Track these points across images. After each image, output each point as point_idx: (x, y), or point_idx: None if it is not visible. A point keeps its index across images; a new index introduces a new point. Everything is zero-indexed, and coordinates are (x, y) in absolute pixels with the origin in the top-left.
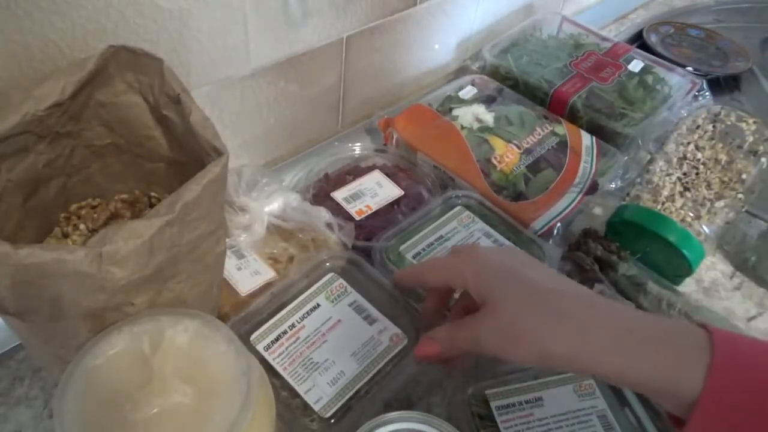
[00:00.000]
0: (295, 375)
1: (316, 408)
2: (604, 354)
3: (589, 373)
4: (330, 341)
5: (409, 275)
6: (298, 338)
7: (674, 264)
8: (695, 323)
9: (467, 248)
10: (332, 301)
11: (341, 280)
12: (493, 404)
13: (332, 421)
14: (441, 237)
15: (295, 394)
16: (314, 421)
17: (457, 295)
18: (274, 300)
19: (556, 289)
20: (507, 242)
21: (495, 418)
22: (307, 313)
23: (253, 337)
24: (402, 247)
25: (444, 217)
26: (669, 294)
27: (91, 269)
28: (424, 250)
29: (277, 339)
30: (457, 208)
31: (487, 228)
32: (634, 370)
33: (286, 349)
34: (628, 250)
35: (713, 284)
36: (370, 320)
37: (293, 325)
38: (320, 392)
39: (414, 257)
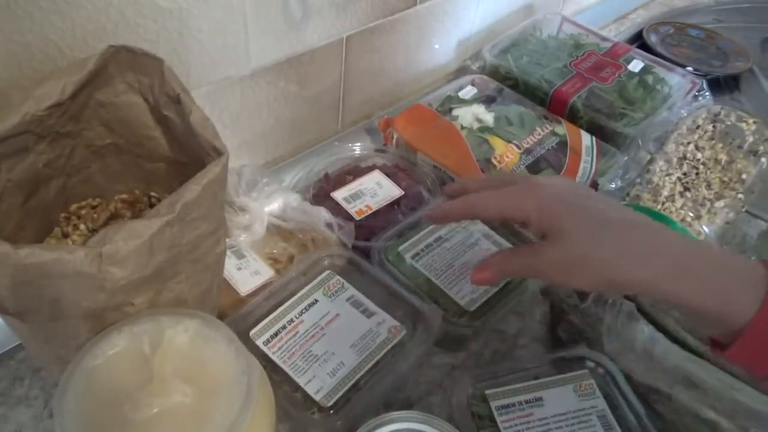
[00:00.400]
0: (295, 367)
1: (317, 398)
2: (665, 281)
3: (650, 296)
4: (329, 334)
5: (456, 210)
6: (297, 332)
7: None
8: (758, 261)
9: (523, 179)
10: (330, 297)
11: (338, 277)
12: (493, 404)
13: (333, 411)
14: (440, 238)
15: (295, 388)
16: (316, 413)
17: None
18: (272, 297)
19: (620, 217)
20: (507, 244)
21: (495, 418)
22: (306, 308)
23: (252, 332)
24: (401, 248)
25: None
26: None
27: (91, 269)
28: (423, 250)
29: (276, 334)
30: None
31: (486, 229)
32: (691, 296)
33: (286, 343)
34: None
35: None
36: (367, 314)
37: (292, 320)
38: (320, 383)
39: (413, 258)
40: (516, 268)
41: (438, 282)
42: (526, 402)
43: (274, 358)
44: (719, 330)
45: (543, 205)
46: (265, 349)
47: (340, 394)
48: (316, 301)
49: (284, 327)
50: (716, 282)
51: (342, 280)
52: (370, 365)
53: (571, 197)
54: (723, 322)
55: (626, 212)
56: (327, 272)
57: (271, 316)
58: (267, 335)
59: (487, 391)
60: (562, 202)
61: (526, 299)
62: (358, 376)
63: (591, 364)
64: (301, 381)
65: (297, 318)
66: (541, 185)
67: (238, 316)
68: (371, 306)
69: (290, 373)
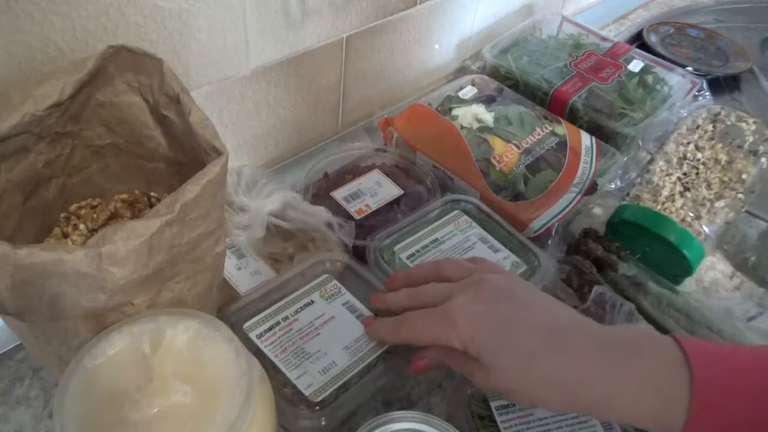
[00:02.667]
0: (286, 362)
1: (306, 393)
2: (596, 410)
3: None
4: (323, 335)
5: (393, 334)
6: (291, 329)
7: (674, 264)
8: (669, 337)
9: (446, 309)
10: (326, 299)
11: (335, 282)
12: (493, 404)
13: (320, 407)
14: (436, 240)
15: (285, 382)
16: (304, 408)
17: None
18: (268, 294)
19: (546, 340)
20: (503, 248)
21: (495, 418)
22: (302, 307)
23: (246, 325)
24: (397, 247)
25: (441, 220)
26: (669, 294)
27: (90, 269)
28: (418, 251)
29: (270, 328)
30: (455, 212)
31: (484, 233)
32: (622, 419)
33: (279, 338)
34: (628, 250)
35: (713, 284)
36: (362, 319)
37: (287, 318)
38: (311, 379)
39: (408, 258)
40: (454, 366)
41: None
42: None
43: (266, 351)
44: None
45: (465, 335)
46: (257, 342)
47: (329, 392)
48: (313, 302)
49: (278, 323)
50: (641, 399)
51: (339, 285)
52: (360, 368)
53: (494, 319)
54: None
55: (554, 323)
56: (325, 276)
57: (267, 312)
58: (261, 329)
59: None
60: (484, 329)
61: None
62: (348, 376)
63: None
64: (291, 375)
65: (292, 316)
66: (460, 308)
67: (232, 308)
68: (367, 312)
69: (281, 367)
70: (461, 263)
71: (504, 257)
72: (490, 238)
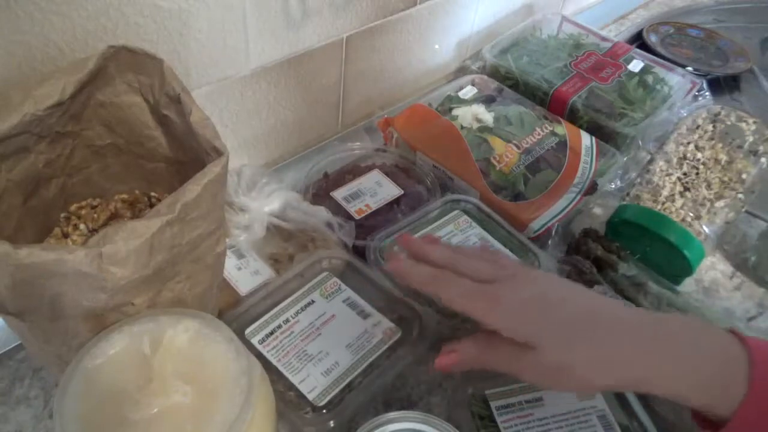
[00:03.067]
0: (289, 366)
1: (310, 397)
2: (642, 384)
3: (633, 389)
4: (324, 334)
5: (418, 281)
6: (292, 332)
7: (674, 264)
8: (730, 334)
9: (491, 289)
10: (326, 298)
11: (335, 279)
12: (493, 404)
13: (326, 410)
14: (439, 238)
15: (289, 386)
16: (309, 412)
17: None
18: (268, 297)
19: (589, 320)
20: (503, 248)
21: (495, 418)
22: (302, 308)
23: (247, 331)
24: (396, 248)
25: (441, 220)
26: (669, 294)
27: (91, 269)
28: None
29: (271, 333)
30: (455, 212)
31: (484, 233)
32: (669, 395)
33: (280, 342)
34: (628, 250)
35: (713, 284)
36: (363, 315)
37: (287, 320)
38: (314, 382)
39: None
40: (492, 364)
41: None
42: (526, 402)
43: (268, 356)
44: (709, 415)
45: (508, 318)
46: (259, 347)
47: (333, 393)
48: (313, 301)
49: (279, 326)
50: (695, 379)
51: (339, 282)
52: (364, 366)
53: (538, 304)
54: (709, 413)
55: (595, 310)
56: (325, 274)
57: (267, 316)
58: (262, 334)
59: (487, 391)
60: (527, 313)
61: None
62: (352, 376)
63: None
64: (294, 380)
65: (293, 318)
66: (505, 292)
67: (233, 314)
68: (367, 308)
69: (284, 371)
70: (485, 267)
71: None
72: (490, 238)
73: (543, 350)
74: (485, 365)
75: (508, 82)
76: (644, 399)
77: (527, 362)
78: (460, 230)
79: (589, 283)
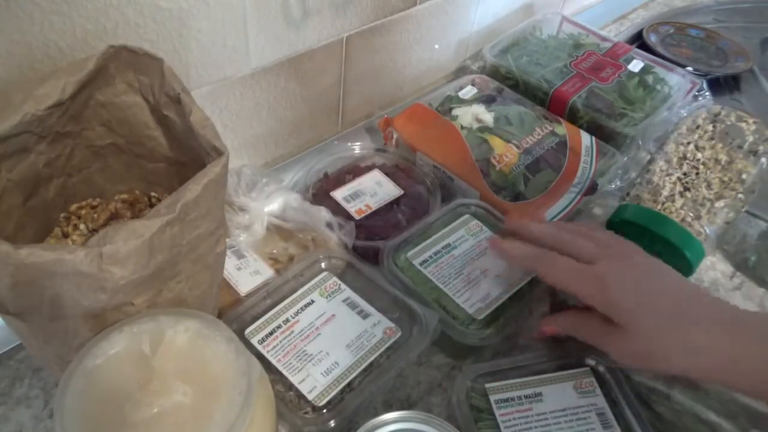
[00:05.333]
0: (288, 366)
1: (310, 397)
2: (731, 375)
3: (714, 381)
4: (324, 334)
5: (521, 262)
6: (292, 332)
7: (674, 264)
8: None
9: (598, 270)
10: (326, 297)
11: (335, 278)
12: (492, 398)
13: (326, 410)
14: (448, 245)
15: (289, 387)
16: (308, 412)
17: None
18: (268, 297)
19: (680, 307)
20: None
21: (494, 411)
22: (302, 308)
23: (247, 331)
24: (409, 254)
25: (452, 225)
26: None
27: (91, 269)
28: (430, 257)
29: (271, 333)
30: (465, 217)
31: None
32: (748, 389)
33: (280, 342)
34: None
35: (713, 284)
36: (363, 314)
37: (287, 320)
38: (314, 382)
39: (421, 264)
40: (586, 338)
41: (446, 290)
42: (526, 397)
43: (268, 357)
44: None
45: (613, 299)
46: (259, 347)
47: (333, 393)
48: (313, 301)
49: (279, 326)
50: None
51: (339, 282)
52: (364, 366)
53: (641, 287)
54: None
55: (684, 297)
56: (324, 273)
57: (267, 316)
58: (262, 334)
59: (486, 385)
60: (631, 295)
61: (526, 299)
62: (352, 376)
63: (592, 362)
64: (294, 380)
65: (293, 318)
66: (611, 273)
67: (233, 314)
68: (367, 307)
69: (284, 372)
70: (586, 246)
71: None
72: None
73: (636, 335)
74: (578, 337)
75: (508, 82)
76: (644, 399)
77: (618, 341)
78: (471, 234)
79: None
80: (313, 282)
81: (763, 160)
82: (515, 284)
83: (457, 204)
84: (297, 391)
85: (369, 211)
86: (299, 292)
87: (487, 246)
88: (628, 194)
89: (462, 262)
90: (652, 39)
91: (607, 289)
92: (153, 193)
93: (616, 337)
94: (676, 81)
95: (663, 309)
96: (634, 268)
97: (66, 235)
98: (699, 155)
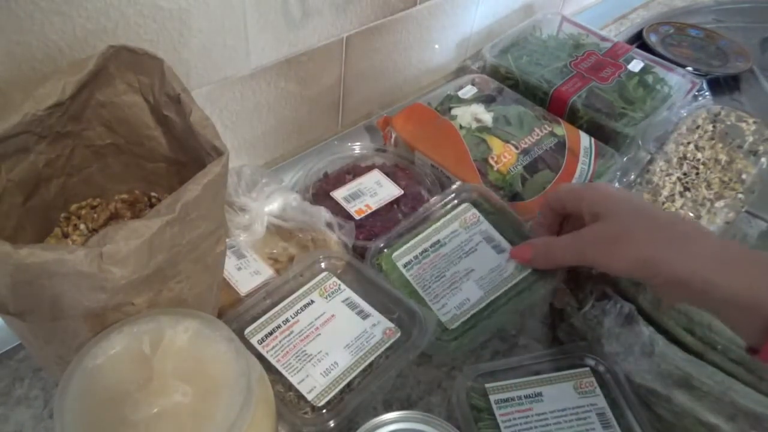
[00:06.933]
0: (288, 366)
1: (309, 398)
2: (700, 268)
3: (679, 280)
4: (323, 335)
5: (535, 263)
6: (291, 332)
7: None
8: None
9: (592, 184)
10: (326, 298)
11: (335, 279)
12: (492, 398)
13: (326, 410)
14: (438, 242)
15: (288, 387)
16: (308, 412)
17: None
18: (268, 297)
19: (663, 212)
20: (510, 247)
21: (494, 411)
22: (301, 308)
23: (247, 331)
24: (395, 254)
25: (448, 216)
26: None
27: (91, 269)
28: (417, 257)
29: (270, 333)
30: (465, 205)
31: (490, 231)
32: (723, 283)
33: (280, 342)
34: None
35: None
36: (363, 315)
37: (287, 320)
38: (313, 382)
39: (405, 266)
40: (558, 253)
41: (424, 294)
42: (526, 397)
43: (267, 357)
44: (750, 326)
45: (596, 195)
46: (259, 348)
47: (332, 393)
48: (312, 301)
49: (279, 327)
50: (749, 271)
51: (339, 282)
52: (363, 366)
53: (623, 195)
54: (754, 314)
55: (674, 215)
56: (324, 273)
57: (267, 316)
58: (261, 334)
59: (487, 385)
60: (613, 196)
61: (527, 299)
62: (351, 376)
63: (592, 363)
64: (294, 380)
65: (292, 318)
66: (604, 186)
67: (233, 314)
68: (367, 307)
69: (283, 372)
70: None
71: (508, 258)
72: (495, 236)
73: (609, 219)
74: (555, 257)
75: (508, 82)
76: (644, 401)
77: (591, 231)
78: (465, 228)
79: (589, 283)
80: (312, 282)
81: (763, 160)
82: (498, 288)
83: (453, 189)
84: (296, 391)
85: (369, 211)
86: (299, 293)
87: (479, 242)
88: None
89: (447, 262)
90: (652, 39)
91: (591, 189)
92: (153, 193)
93: (589, 228)
94: (676, 81)
95: (638, 203)
96: (619, 189)
97: (66, 235)
98: (699, 155)
